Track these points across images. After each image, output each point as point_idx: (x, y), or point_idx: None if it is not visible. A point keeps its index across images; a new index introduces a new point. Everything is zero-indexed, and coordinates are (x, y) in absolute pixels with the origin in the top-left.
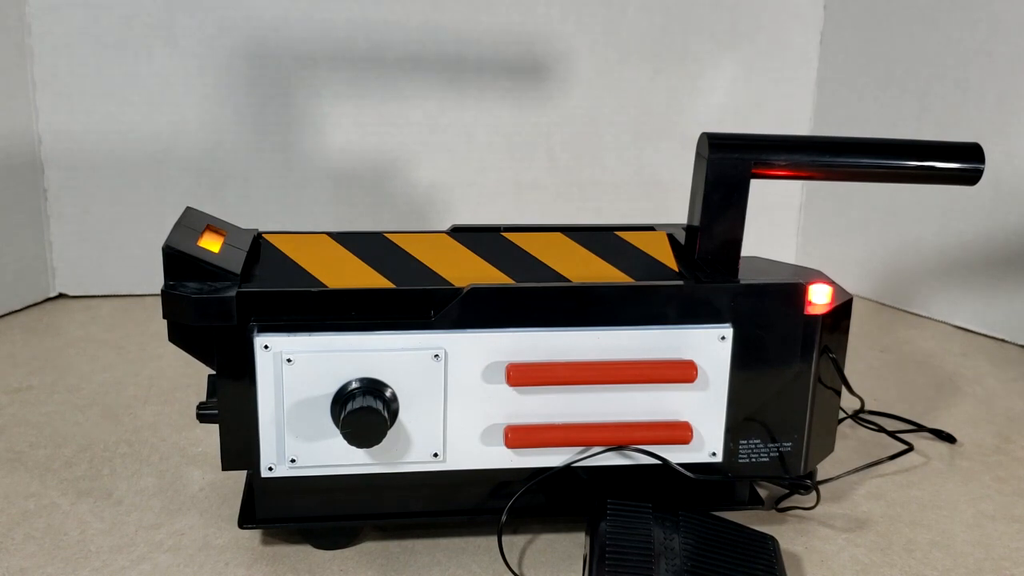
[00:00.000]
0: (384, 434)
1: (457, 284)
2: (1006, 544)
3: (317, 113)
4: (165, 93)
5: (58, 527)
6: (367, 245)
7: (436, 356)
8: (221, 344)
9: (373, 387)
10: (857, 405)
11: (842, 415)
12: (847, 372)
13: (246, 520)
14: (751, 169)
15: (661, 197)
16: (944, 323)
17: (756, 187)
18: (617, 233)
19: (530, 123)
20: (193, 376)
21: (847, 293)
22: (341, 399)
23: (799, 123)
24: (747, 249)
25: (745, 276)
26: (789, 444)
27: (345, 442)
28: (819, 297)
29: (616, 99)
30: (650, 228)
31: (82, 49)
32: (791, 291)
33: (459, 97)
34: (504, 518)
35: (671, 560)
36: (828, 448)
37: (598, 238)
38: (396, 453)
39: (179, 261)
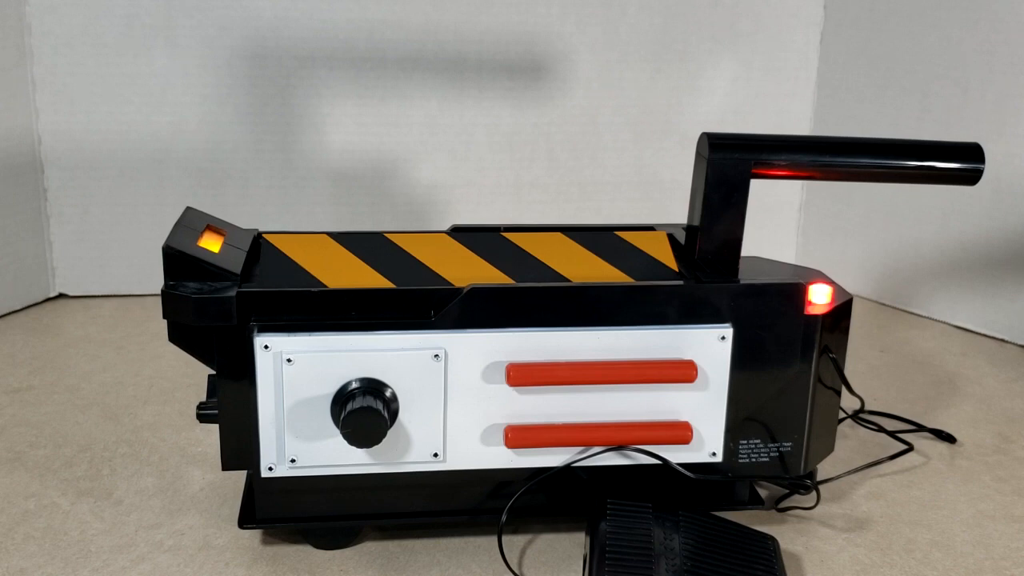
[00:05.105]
0: (384, 434)
1: (457, 284)
2: (1006, 544)
3: (317, 113)
4: (165, 93)
5: (58, 527)
6: (367, 245)
7: (436, 356)
8: (221, 344)
9: (373, 387)
10: (857, 405)
11: (842, 415)
12: (847, 372)
13: (246, 520)
14: (751, 169)
15: (661, 197)
16: (944, 323)
17: (756, 187)
18: (617, 233)
19: (530, 123)
20: (193, 376)
21: (847, 293)
22: (341, 399)
23: (799, 123)
24: (747, 249)
25: (745, 276)
26: (789, 444)
27: (345, 442)
28: (819, 297)
29: (616, 99)
30: (650, 228)
31: (82, 49)
32: (791, 291)
33: (459, 97)
34: (504, 518)
35: (671, 560)
36: (828, 448)
37: (598, 238)
38: (396, 453)
39: (179, 261)
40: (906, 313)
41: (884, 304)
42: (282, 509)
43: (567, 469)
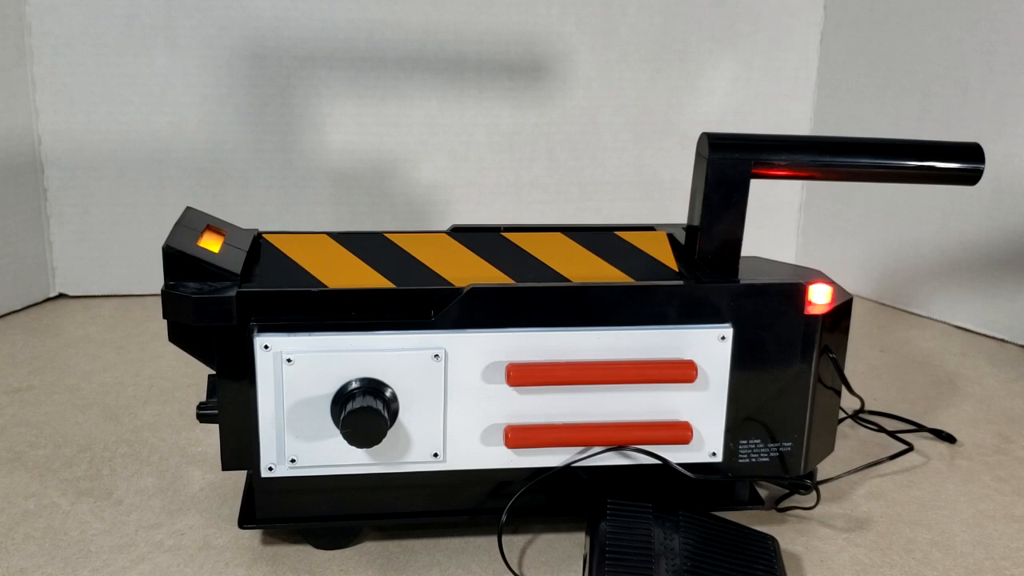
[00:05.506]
0: (384, 434)
1: (457, 284)
2: (1006, 544)
3: (317, 113)
4: (165, 93)
5: (58, 527)
6: (367, 245)
7: (436, 356)
8: (221, 344)
9: (373, 387)
10: (857, 405)
11: (842, 415)
12: (847, 372)
13: (246, 520)
14: (751, 169)
15: (661, 197)
16: (944, 323)
17: (756, 187)
18: (617, 233)
19: (530, 123)
20: (193, 376)
21: (847, 293)
22: (341, 399)
23: (799, 123)
24: (747, 249)
25: (745, 276)
26: (789, 444)
27: (345, 442)
28: (819, 297)
29: (616, 99)
30: (650, 228)
31: (82, 49)
32: (791, 291)
33: (459, 97)
34: (504, 518)
35: (671, 560)
36: (828, 448)
37: (598, 238)
38: (396, 453)
39: (179, 261)
40: (906, 313)
41: (884, 304)
42: (282, 509)
43: (567, 469)
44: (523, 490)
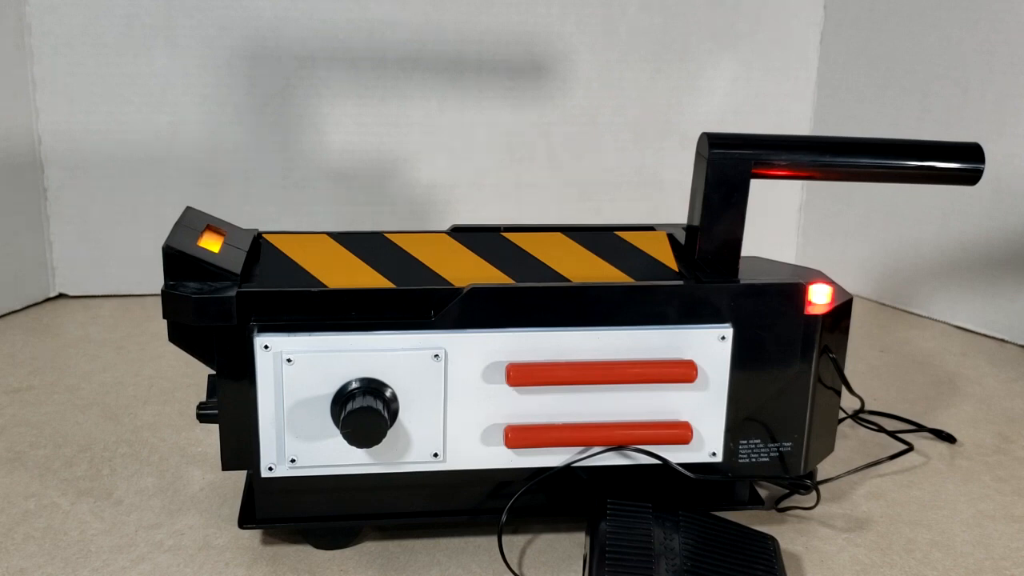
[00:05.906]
0: (384, 434)
1: (457, 284)
2: (1006, 544)
3: (317, 113)
4: (165, 93)
5: (58, 527)
6: (367, 245)
7: (436, 356)
8: (221, 344)
9: (373, 387)
10: (857, 405)
11: (842, 415)
12: (847, 372)
13: (246, 520)
14: (751, 169)
15: (661, 197)
16: (944, 323)
17: (756, 187)
18: (617, 233)
19: (530, 123)
20: (193, 376)
21: (847, 293)
22: (341, 399)
23: (799, 123)
24: (747, 249)
25: (745, 276)
26: (789, 444)
27: (345, 442)
28: (819, 297)
29: (616, 99)
30: (650, 228)
31: (82, 49)
32: (791, 291)
33: (459, 97)
34: (504, 518)
35: (671, 560)
36: (828, 448)
37: (598, 238)
38: (396, 453)
39: (179, 261)
40: (906, 313)
41: (884, 304)
42: (282, 509)
43: (567, 469)
44: (523, 490)
